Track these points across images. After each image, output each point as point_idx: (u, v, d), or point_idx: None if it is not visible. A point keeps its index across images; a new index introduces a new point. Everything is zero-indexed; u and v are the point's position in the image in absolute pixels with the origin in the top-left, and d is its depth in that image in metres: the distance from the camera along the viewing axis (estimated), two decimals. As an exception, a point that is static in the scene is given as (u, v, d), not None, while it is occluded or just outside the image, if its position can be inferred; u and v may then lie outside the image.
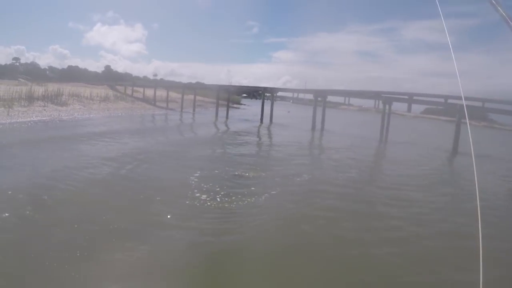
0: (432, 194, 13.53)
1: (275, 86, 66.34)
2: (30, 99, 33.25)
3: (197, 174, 13.51)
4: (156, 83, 59.55)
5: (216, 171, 14.46)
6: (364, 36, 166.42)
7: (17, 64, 62.10)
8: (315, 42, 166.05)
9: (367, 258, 7.63)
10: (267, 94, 44.36)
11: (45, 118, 29.16)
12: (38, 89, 36.36)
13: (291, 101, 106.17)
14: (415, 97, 37.47)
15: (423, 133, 38.64)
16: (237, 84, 75.09)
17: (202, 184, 12.04)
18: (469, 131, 3.16)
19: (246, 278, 6.67)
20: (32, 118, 27.95)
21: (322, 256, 7.65)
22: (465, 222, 9.56)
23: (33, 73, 56.39)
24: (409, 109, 66.66)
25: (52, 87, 38.80)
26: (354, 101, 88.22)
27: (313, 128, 34.81)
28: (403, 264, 7.48)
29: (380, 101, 38.39)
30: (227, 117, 42.72)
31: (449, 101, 45.12)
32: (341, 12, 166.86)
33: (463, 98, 3.83)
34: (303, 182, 13.86)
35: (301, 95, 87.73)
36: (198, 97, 53.37)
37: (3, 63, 63.77)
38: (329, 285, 6.68)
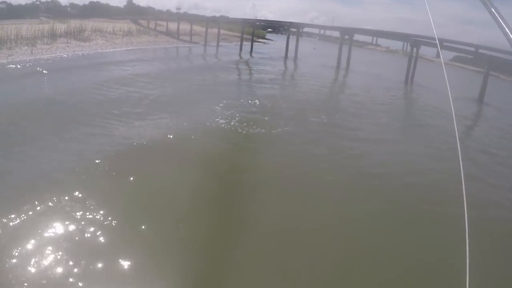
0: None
1: (302, 22, 63.41)
2: (53, 36, 33.01)
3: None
4: (179, 17, 57.53)
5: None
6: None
7: (38, 2, 61.04)
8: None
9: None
10: (293, 30, 42.76)
11: (67, 54, 28.84)
12: (60, 26, 36.01)
13: (318, 37, 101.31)
14: (444, 43, 34.19)
15: (450, 80, 36.59)
16: (262, 19, 71.89)
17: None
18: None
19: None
20: (55, 55, 27.65)
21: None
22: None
23: (54, 10, 55.42)
24: (437, 55, 61.95)
25: (74, 24, 38.08)
26: (382, 41, 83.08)
27: (338, 66, 33.96)
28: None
29: (408, 44, 35.99)
30: (251, 51, 41.85)
31: (480, 51, 40.90)
32: None
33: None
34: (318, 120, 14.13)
35: (328, 32, 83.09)
36: (222, 31, 51.44)
37: (23, 2, 62.95)
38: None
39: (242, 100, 15.49)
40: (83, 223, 5.83)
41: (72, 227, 5.71)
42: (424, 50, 37.39)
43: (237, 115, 12.89)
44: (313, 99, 18.66)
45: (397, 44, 74.79)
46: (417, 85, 27.65)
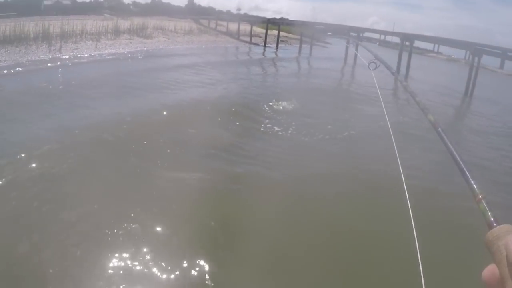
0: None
1: (363, 26, 60.88)
2: (116, 32, 32.63)
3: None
4: (240, 17, 56.47)
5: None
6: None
7: (101, 0, 62.17)
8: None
9: None
10: (353, 34, 40.36)
11: (132, 49, 28.09)
12: (124, 23, 35.73)
13: (378, 43, 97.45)
14: (509, 53, 30.16)
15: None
16: (322, 22, 69.28)
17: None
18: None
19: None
20: (118, 51, 26.95)
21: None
22: None
23: (117, 8, 56.08)
24: (501, 66, 55.89)
25: (137, 21, 37.67)
26: (444, 49, 77.71)
27: (397, 72, 30.85)
28: None
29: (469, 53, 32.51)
30: (310, 54, 40.00)
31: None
32: None
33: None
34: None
35: (388, 38, 79.52)
36: (282, 33, 49.97)
37: (88, 0, 64.40)
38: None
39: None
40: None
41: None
42: (487, 60, 33.73)
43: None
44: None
45: (459, 53, 69.81)
46: (477, 99, 24.43)
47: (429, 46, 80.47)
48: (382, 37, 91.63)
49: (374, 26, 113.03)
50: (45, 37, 25.14)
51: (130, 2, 67.06)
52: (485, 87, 28.00)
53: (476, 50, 27.77)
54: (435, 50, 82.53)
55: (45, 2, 60.54)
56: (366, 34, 77.33)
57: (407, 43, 33.47)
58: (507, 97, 27.73)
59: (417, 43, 44.81)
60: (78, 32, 28.55)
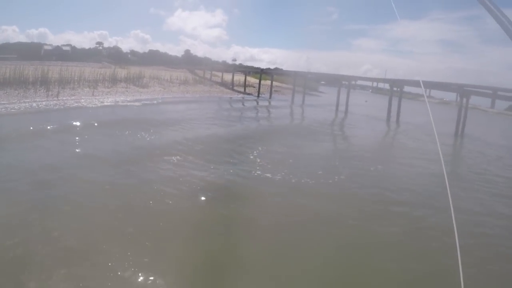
0: None
1: (356, 75, 62.93)
2: (113, 80, 33.34)
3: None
4: (234, 68, 58.23)
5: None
6: (447, 24, 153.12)
7: (101, 48, 64.13)
8: (396, 30, 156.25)
9: None
10: (344, 82, 41.80)
11: (128, 98, 28.56)
12: (121, 72, 36.65)
13: (371, 90, 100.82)
14: (499, 92, 31.68)
15: (504, 131, 34.74)
16: (315, 71, 71.59)
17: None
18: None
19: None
20: (115, 99, 27.43)
21: None
22: None
23: (115, 56, 57.77)
24: (492, 105, 58.37)
25: (133, 70, 38.76)
26: (435, 93, 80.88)
27: (388, 119, 32.43)
28: None
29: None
30: (302, 103, 40.86)
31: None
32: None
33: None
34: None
35: (380, 84, 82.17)
36: (275, 83, 51.57)
37: (87, 47, 66.27)
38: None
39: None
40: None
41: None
42: (478, 100, 35.11)
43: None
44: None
45: (451, 95, 72.38)
46: (468, 138, 25.40)
47: (421, 90, 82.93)
48: (375, 84, 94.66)
49: (368, 74, 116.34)
50: (44, 82, 25.71)
51: (128, 51, 69.32)
52: (475, 126, 29.09)
53: (465, 91, 29.00)
54: (427, 94, 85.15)
55: (45, 47, 62.24)
56: (359, 82, 79.89)
57: (396, 89, 34.75)
58: (493, 134, 28.76)
59: (409, 88, 46.29)
60: (76, 78, 29.17)
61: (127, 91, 31.74)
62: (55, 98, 23.26)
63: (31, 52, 51.89)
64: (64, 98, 23.86)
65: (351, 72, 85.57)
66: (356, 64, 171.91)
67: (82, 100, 24.00)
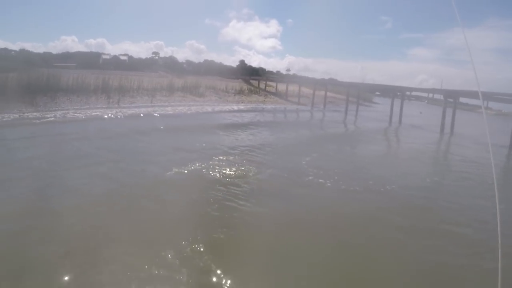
0: None
1: (411, 85, 60.37)
2: (171, 89, 33.15)
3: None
4: (288, 79, 57.23)
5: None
6: (505, 31, 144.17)
7: (157, 58, 65.25)
8: (453, 39, 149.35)
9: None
10: (399, 93, 39.53)
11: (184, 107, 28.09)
12: (178, 81, 36.58)
13: (426, 101, 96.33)
14: None
15: None
16: (371, 82, 69.13)
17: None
18: None
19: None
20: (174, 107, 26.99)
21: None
22: None
23: (171, 66, 58.49)
24: None
25: (190, 80, 38.54)
26: (492, 104, 76.05)
27: (442, 131, 30.79)
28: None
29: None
30: (356, 115, 39.25)
31: None
32: (479, 4, 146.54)
33: None
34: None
35: (436, 95, 78.06)
36: (329, 94, 50.37)
37: (143, 57, 67.77)
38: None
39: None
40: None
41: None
42: None
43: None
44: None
45: (509, 107, 67.89)
46: None
47: (477, 101, 78.31)
48: (430, 95, 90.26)
49: (423, 84, 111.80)
50: (104, 90, 25.71)
51: (184, 61, 70.01)
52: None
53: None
54: (485, 105, 79.84)
55: (104, 57, 64.30)
56: (414, 93, 76.44)
57: (450, 100, 32.80)
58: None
59: (467, 100, 43.31)
60: (135, 87, 29.13)
61: (184, 99, 31.59)
62: (116, 105, 23.07)
63: (90, 61, 53.56)
64: (124, 105, 23.68)
65: (407, 83, 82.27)
66: (411, 74, 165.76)
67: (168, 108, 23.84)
